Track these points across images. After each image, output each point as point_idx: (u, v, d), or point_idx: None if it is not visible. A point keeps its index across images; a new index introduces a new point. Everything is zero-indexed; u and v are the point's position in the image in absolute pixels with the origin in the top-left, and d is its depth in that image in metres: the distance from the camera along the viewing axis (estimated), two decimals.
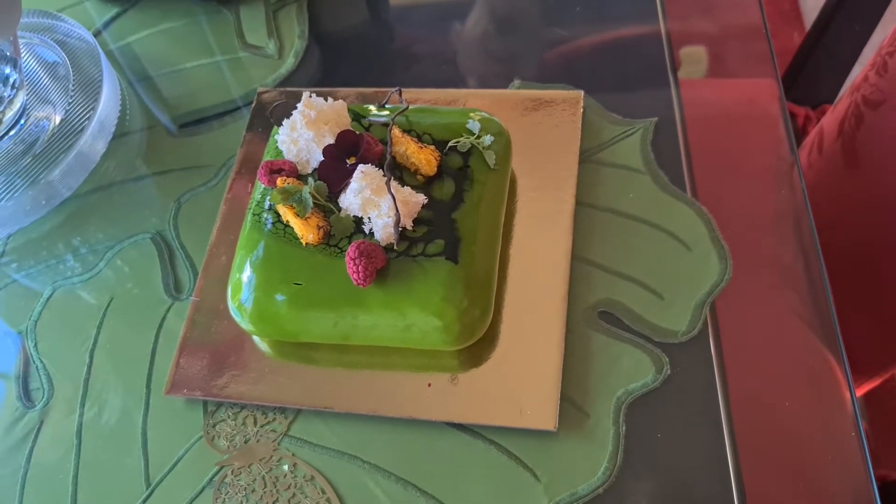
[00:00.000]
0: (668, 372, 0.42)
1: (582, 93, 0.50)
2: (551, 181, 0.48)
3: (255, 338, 0.45)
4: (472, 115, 0.45)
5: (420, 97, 0.52)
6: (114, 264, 0.50)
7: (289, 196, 0.41)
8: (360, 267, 0.39)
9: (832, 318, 0.42)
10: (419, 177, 0.43)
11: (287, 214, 0.41)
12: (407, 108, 0.45)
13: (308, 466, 0.42)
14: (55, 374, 0.47)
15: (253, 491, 0.42)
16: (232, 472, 0.43)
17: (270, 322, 0.42)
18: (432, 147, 0.43)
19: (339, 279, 0.41)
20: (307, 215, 0.41)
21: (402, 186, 0.42)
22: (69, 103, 0.56)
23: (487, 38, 0.57)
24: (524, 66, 0.54)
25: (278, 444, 0.43)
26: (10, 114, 0.54)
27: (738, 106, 0.51)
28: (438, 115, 0.46)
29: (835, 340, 0.42)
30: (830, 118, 0.71)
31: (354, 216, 0.41)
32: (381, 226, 0.40)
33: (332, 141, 0.43)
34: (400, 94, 0.47)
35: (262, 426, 0.44)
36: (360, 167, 0.41)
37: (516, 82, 0.53)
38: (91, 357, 0.47)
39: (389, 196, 0.40)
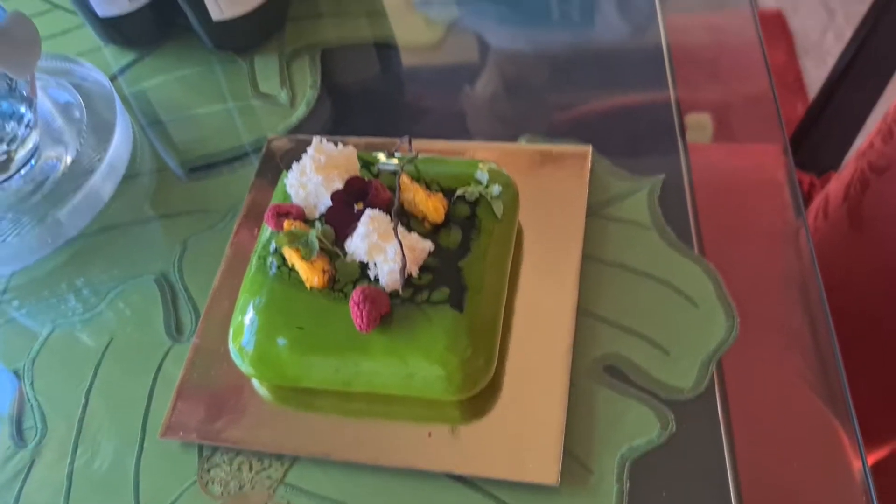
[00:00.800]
0: (674, 429, 0.41)
1: (590, 147, 0.51)
2: (558, 234, 0.48)
3: (255, 382, 0.45)
4: (480, 165, 0.46)
5: (429, 147, 0.52)
6: (115, 305, 0.50)
7: (295, 239, 0.41)
8: (363, 312, 0.39)
9: (842, 383, 0.42)
10: (426, 224, 0.43)
11: (293, 258, 0.41)
12: (416, 156, 0.46)
13: None
14: (49, 414, 0.46)
15: None
16: None
17: (271, 366, 0.42)
18: (440, 195, 0.43)
19: (342, 324, 0.40)
20: (313, 259, 0.41)
21: (409, 233, 0.42)
22: (81, 144, 0.56)
23: (497, 99, 0.57)
24: (533, 124, 0.55)
25: (273, 491, 0.42)
26: (22, 152, 0.54)
27: (746, 170, 0.51)
28: (447, 165, 0.46)
29: (844, 407, 0.41)
30: (836, 184, 0.72)
31: (360, 261, 0.41)
32: (387, 271, 0.40)
33: (340, 186, 0.43)
34: (409, 143, 0.47)
35: (257, 472, 0.43)
36: (368, 212, 0.41)
37: (525, 137, 0.54)
38: (87, 398, 0.47)
39: (396, 241, 0.40)
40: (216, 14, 0.57)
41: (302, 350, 0.41)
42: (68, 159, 0.56)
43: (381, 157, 0.47)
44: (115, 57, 0.64)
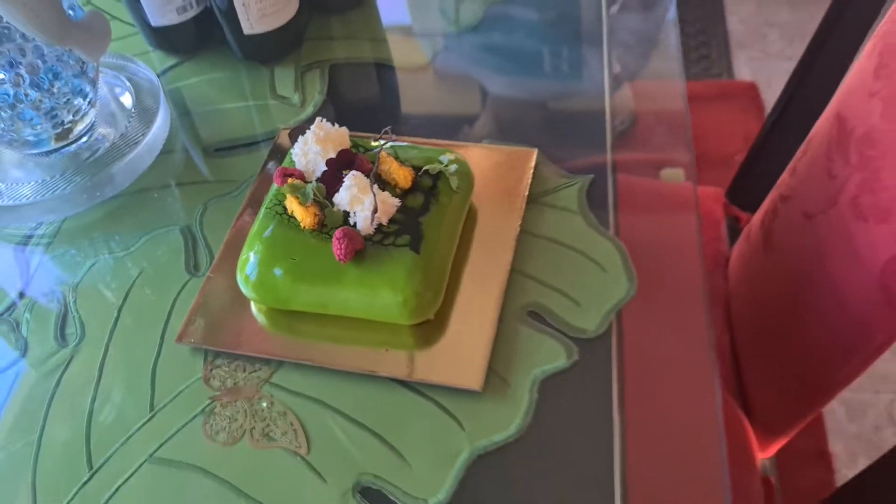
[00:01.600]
0: (577, 358, 0.52)
1: (536, 150, 0.64)
2: (503, 212, 0.60)
3: (253, 306, 0.57)
4: (445, 153, 0.58)
5: (408, 141, 0.65)
6: (146, 247, 0.62)
7: (296, 190, 0.54)
8: (343, 245, 0.51)
9: (710, 335, 0.53)
10: (398, 189, 0.55)
11: (292, 204, 0.54)
12: (394, 140, 0.58)
13: (282, 405, 0.52)
14: (88, 323, 0.58)
15: (235, 420, 0.52)
16: (220, 405, 0.53)
17: (268, 290, 0.54)
18: (410, 168, 0.56)
19: (326, 259, 0.52)
20: (307, 205, 0.53)
21: (382, 192, 0.54)
22: (127, 126, 0.69)
23: (469, 109, 0.70)
24: (494, 130, 0.67)
25: (261, 387, 0.53)
26: (81, 126, 0.67)
27: (657, 184, 0.63)
28: (419, 151, 0.59)
29: (712, 351, 0.53)
30: (758, 215, 0.84)
31: (344, 211, 0.54)
32: (363, 218, 0.52)
33: (334, 156, 0.55)
34: (391, 133, 0.60)
35: (249, 373, 0.54)
36: (353, 173, 0.53)
37: (487, 139, 0.66)
38: (119, 313, 0.58)
39: (372, 195, 0.52)
40: (247, 28, 0.71)
41: (293, 277, 0.53)
42: (117, 136, 0.69)
43: (370, 142, 0.60)
44: (161, 60, 0.78)
